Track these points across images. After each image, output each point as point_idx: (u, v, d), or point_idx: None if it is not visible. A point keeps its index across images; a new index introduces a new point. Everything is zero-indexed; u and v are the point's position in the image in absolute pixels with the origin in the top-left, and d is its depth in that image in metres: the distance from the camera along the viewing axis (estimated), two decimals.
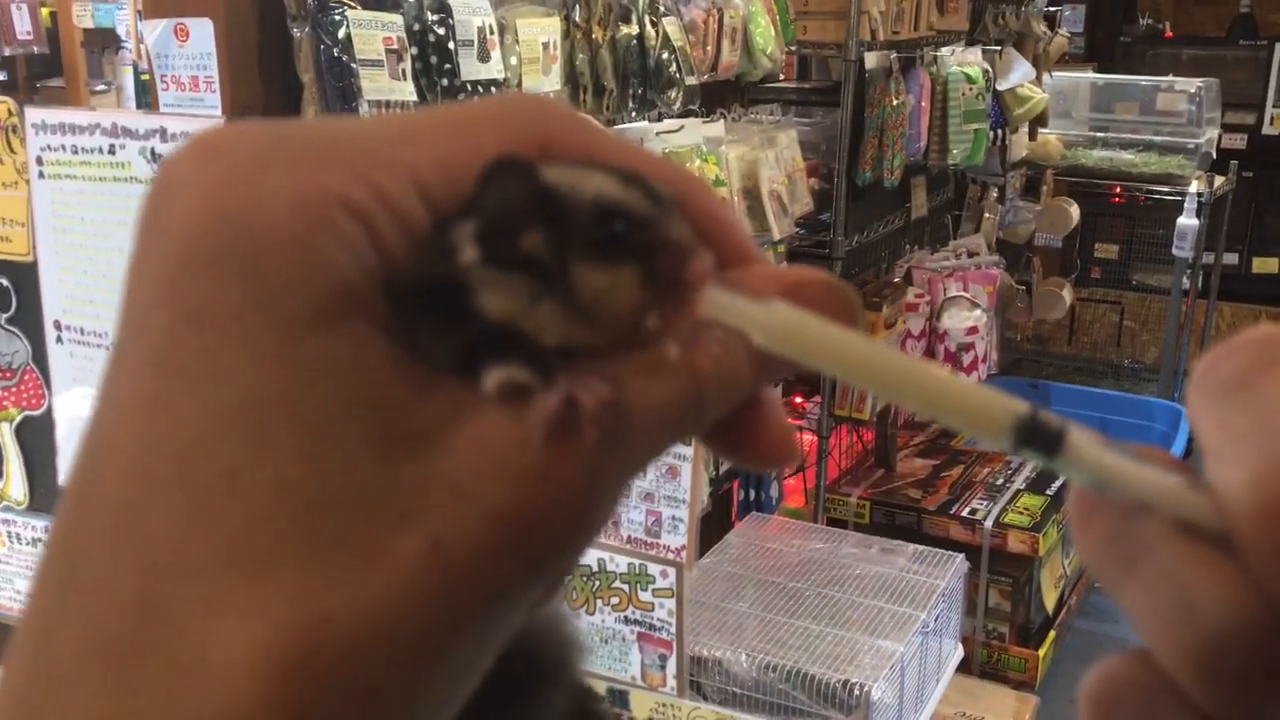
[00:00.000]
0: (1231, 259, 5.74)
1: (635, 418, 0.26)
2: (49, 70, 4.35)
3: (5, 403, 1.40)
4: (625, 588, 1.18)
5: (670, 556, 1.15)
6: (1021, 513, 3.34)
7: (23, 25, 3.93)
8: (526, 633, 0.28)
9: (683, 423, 0.27)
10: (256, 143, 0.26)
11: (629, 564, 1.25)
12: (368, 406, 0.24)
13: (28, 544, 1.47)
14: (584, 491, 0.25)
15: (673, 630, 1.14)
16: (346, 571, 0.23)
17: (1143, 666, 0.23)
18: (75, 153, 1.27)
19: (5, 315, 1.38)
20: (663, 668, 1.17)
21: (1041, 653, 3.34)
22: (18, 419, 1.41)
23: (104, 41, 4.48)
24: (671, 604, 1.14)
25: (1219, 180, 4.71)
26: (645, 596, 1.17)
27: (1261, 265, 6.15)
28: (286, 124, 0.27)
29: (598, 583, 1.28)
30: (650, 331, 0.27)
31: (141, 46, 1.88)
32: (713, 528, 2.69)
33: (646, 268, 0.27)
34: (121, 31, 4.38)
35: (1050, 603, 3.45)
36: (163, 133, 1.24)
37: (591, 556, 1.26)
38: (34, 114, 1.31)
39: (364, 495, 0.23)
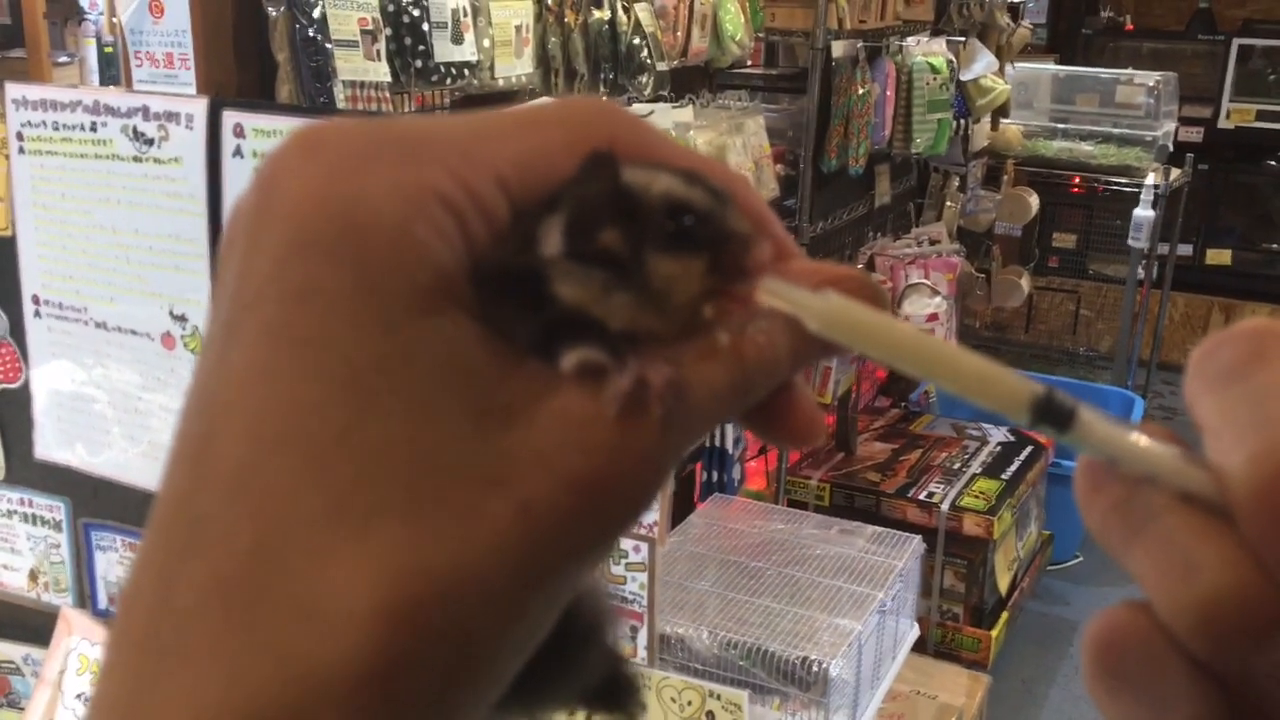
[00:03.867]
0: (1186, 250, 5.84)
1: (692, 397, 0.28)
2: (10, 41, 4.29)
3: None
4: None
5: (643, 532, 1.18)
6: (977, 496, 3.39)
7: None
8: (575, 598, 0.30)
9: (730, 402, 0.30)
10: (358, 139, 0.28)
11: None
12: (462, 380, 0.27)
13: (2, 516, 1.48)
14: (650, 462, 0.28)
15: (644, 603, 1.18)
16: (446, 528, 0.25)
17: (1144, 616, 0.25)
18: (56, 129, 1.28)
19: None
20: (634, 639, 1.21)
21: (994, 633, 3.40)
22: None
23: (66, 13, 4.44)
24: (643, 578, 1.18)
25: (1175, 173, 4.79)
26: (618, 570, 1.21)
27: (1214, 257, 6.26)
28: (382, 122, 0.29)
29: None
30: (707, 318, 0.30)
31: (114, 21, 1.88)
32: (676, 508, 2.72)
33: (713, 258, 0.30)
34: (84, 3, 4.34)
35: (1003, 585, 3.51)
36: (145, 111, 1.25)
37: None
38: (14, 89, 1.31)
39: (460, 460, 0.26)
